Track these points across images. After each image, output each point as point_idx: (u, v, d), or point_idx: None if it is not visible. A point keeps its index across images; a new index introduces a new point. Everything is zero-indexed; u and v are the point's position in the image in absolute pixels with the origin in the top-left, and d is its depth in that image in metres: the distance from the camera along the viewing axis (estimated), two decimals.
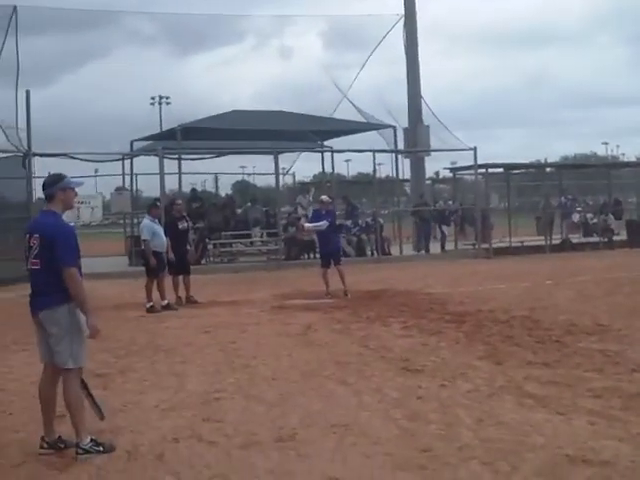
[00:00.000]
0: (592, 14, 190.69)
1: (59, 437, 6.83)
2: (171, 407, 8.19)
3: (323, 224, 18.15)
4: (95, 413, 7.10)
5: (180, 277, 17.51)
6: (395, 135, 32.77)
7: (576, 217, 35.37)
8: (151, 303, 16.27)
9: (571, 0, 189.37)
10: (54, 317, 6.72)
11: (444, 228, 31.91)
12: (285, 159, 35.52)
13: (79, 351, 6.83)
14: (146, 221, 17.05)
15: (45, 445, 6.76)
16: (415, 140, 33.70)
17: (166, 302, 16.53)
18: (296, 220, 29.31)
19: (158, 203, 19.57)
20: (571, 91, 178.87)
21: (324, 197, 19.42)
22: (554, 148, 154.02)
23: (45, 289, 6.74)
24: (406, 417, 7.51)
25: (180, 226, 17.78)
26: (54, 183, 6.98)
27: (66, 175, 7.18)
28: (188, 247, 18.08)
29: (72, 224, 7.80)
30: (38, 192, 26.23)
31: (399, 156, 33.81)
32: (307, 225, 20.00)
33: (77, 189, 7.19)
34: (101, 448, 6.65)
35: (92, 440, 6.68)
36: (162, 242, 16.80)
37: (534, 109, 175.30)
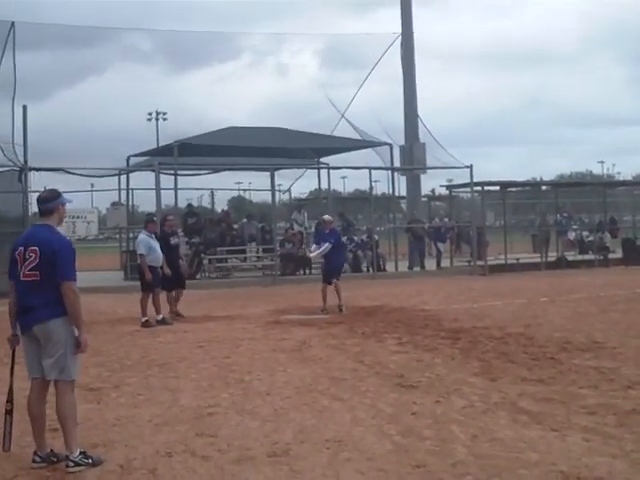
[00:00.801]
0: (589, 35, 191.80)
1: (51, 451, 6.81)
2: (165, 422, 8.16)
3: (326, 247, 18.14)
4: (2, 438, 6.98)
5: (173, 292, 17.50)
6: (391, 153, 32.81)
7: (572, 235, 35.42)
8: (146, 317, 16.24)
9: (568, 21, 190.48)
10: (51, 330, 6.72)
11: (440, 245, 31.96)
12: (283, 175, 35.58)
13: (74, 364, 6.86)
14: (142, 236, 17.06)
15: (37, 459, 6.74)
16: (411, 158, 33.74)
17: (161, 317, 16.50)
18: (292, 236, 29.36)
19: (155, 218, 19.60)
20: (567, 110, 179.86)
21: (326, 217, 19.41)
22: (549, 166, 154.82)
23: (42, 302, 6.73)
24: (400, 433, 7.48)
25: (172, 241, 17.82)
26: (55, 198, 7.08)
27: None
28: (180, 262, 18.06)
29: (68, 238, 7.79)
30: (34, 206, 26.20)
31: (395, 173, 33.86)
32: (313, 255, 19.87)
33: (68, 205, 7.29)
34: (90, 460, 6.65)
35: (81, 453, 6.68)
36: (158, 257, 16.82)
37: (530, 128, 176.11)
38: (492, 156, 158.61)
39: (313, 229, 30.44)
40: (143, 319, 16.24)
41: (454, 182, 34.59)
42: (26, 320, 6.82)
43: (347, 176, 59.63)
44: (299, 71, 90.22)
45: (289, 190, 39.56)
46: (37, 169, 25.24)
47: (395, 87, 36.20)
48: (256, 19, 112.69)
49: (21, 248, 6.84)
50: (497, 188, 34.34)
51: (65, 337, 6.76)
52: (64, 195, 7.28)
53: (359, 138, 34.16)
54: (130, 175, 32.15)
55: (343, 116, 35.64)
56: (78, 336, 6.81)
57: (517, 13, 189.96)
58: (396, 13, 35.64)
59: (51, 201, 7.04)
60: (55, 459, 6.74)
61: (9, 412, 7.00)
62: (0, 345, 13.08)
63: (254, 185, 48.33)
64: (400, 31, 35.68)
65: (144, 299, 16.53)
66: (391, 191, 34.40)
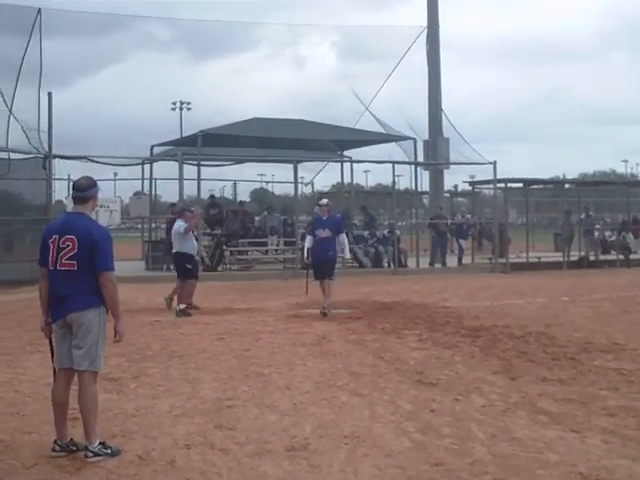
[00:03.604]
0: (606, 32, 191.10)
1: (71, 440, 6.83)
2: (184, 413, 8.18)
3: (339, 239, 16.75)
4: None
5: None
6: (415, 147, 32.72)
7: (594, 234, 35.25)
8: (182, 305, 16.48)
9: (586, 17, 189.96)
10: (86, 319, 6.74)
11: (462, 242, 31.84)
12: (305, 168, 35.57)
13: (102, 355, 6.91)
14: (181, 223, 17.24)
15: (57, 447, 6.76)
16: (435, 152, 33.66)
17: (183, 306, 16.55)
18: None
19: (193, 209, 19.81)
20: (587, 108, 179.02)
21: (323, 200, 17.80)
22: (570, 165, 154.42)
23: (78, 291, 6.73)
24: (419, 430, 7.47)
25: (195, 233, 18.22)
26: (93, 187, 7.07)
27: None
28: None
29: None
30: (58, 194, 26.41)
31: (418, 168, 33.77)
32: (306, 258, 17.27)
33: None
34: (109, 451, 6.68)
35: (100, 443, 6.70)
36: (194, 245, 17.35)
37: (549, 125, 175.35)
38: (510, 153, 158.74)
39: None
40: (180, 307, 16.49)
41: (477, 178, 34.52)
42: (60, 309, 6.81)
43: (370, 170, 59.63)
44: (318, 63, 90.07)
45: (312, 183, 39.62)
46: (61, 157, 25.36)
47: (417, 81, 36.11)
48: (271, 11, 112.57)
49: (55, 236, 6.80)
50: (520, 185, 34.25)
51: (98, 327, 6.80)
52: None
53: (382, 132, 34.10)
54: (153, 165, 32.24)
55: (368, 109, 35.52)
56: (116, 325, 6.85)
57: (534, 9, 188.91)
58: (413, 7, 35.78)
59: (89, 189, 7.01)
60: (75, 448, 6.77)
61: None
62: (24, 332, 13.36)
63: (277, 177, 48.47)
64: (425, 24, 35.56)
65: (182, 287, 16.82)
66: (414, 186, 34.37)
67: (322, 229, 16.59)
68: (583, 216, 34.27)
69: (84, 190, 7.01)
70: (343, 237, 17.00)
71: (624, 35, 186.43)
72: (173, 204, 29.17)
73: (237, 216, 29.89)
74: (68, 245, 6.72)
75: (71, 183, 24.10)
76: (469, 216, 34.99)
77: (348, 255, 17.30)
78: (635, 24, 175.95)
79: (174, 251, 17.43)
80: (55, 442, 6.79)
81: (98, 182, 7.26)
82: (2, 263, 24.12)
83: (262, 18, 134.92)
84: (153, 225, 33.64)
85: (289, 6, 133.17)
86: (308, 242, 17.04)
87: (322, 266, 16.61)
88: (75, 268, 6.71)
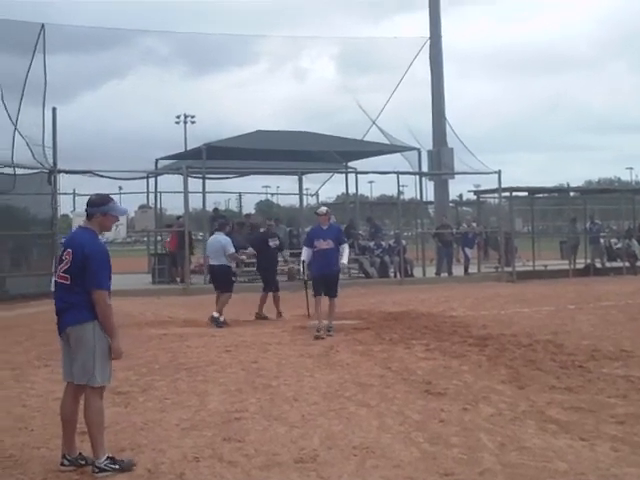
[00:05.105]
0: (605, 41, 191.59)
1: (80, 454, 6.82)
2: (192, 426, 8.17)
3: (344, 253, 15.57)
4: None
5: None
6: (419, 157, 32.74)
7: (600, 242, 35.16)
8: (220, 315, 16.89)
9: (587, 26, 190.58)
10: (80, 334, 6.73)
11: (467, 251, 31.79)
12: (310, 179, 35.60)
13: (104, 369, 6.85)
14: (227, 237, 17.79)
15: (66, 462, 6.75)
16: (439, 162, 33.64)
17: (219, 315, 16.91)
18: None
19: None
20: (591, 116, 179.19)
21: (322, 209, 16.23)
22: (574, 173, 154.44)
23: (72, 305, 6.75)
24: (428, 440, 7.46)
25: (270, 243, 18.75)
26: (98, 205, 7.01)
27: (113, 199, 7.23)
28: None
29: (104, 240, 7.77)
30: (63, 209, 26.51)
31: (423, 178, 33.77)
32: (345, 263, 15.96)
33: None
34: (117, 466, 6.62)
35: (109, 458, 6.66)
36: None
37: (553, 134, 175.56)
38: (514, 162, 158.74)
39: None
40: (215, 314, 16.88)
41: (481, 187, 34.50)
42: (60, 322, 6.86)
43: (374, 181, 59.64)
44: (320, 75, 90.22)
45: (317, 194, 39.64)
46: (66, 171, 25.43)
47: (420, 91, 36.04)
48: (272, 24, 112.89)
49: (62, 249, 6.94)
50: (525, 194, 34.22)
51: (94, 342, 6.75)
52: (116, 205, 7.26)
53: (387, 142, 34.10)
54: (158, 178, 32.30)
55: (374, 122, 35.42)
56: (111, 343, 6.83)
57: (534, 19, 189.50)
58: (413, 19, 35.77)
59: (93, 206, 7.00)
60: (83, 462, 6.75)
61: None
62: (32, 347, 13.37)
63: (282, 189, 48.40)
64: (427, 35, 35.54)
65: (226, 298, 17.34)
66: (419, 196, 34.35)
67: (323, 239, 15.25)
68: (589, 224, 34.17)
69: (88, 206, 7.05)
70: (345, 247, 15.81)
71: (621, 45, 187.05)
72: (179, 217, 29.26)
73: (243, 228, 29.86)
74: (66, 258, 6.79)
75: (76, 197, 24.30)
76: (474, 225, 34.94)
77: (346, 260, 15.55)
78: (635, 32, 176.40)
79: (218, 264, 17.72)
80: (64, 456, 6.78)
81: (124, 207, 7.24)
82: (9, 278, 24.23)
83: (263, 31, 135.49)
84: (159, 238, 33.64)
85: (289, 19, 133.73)
86: (305, 255, 15.72)
87: (326, 282, 15.34)
88: (68, 282, 6.76)
